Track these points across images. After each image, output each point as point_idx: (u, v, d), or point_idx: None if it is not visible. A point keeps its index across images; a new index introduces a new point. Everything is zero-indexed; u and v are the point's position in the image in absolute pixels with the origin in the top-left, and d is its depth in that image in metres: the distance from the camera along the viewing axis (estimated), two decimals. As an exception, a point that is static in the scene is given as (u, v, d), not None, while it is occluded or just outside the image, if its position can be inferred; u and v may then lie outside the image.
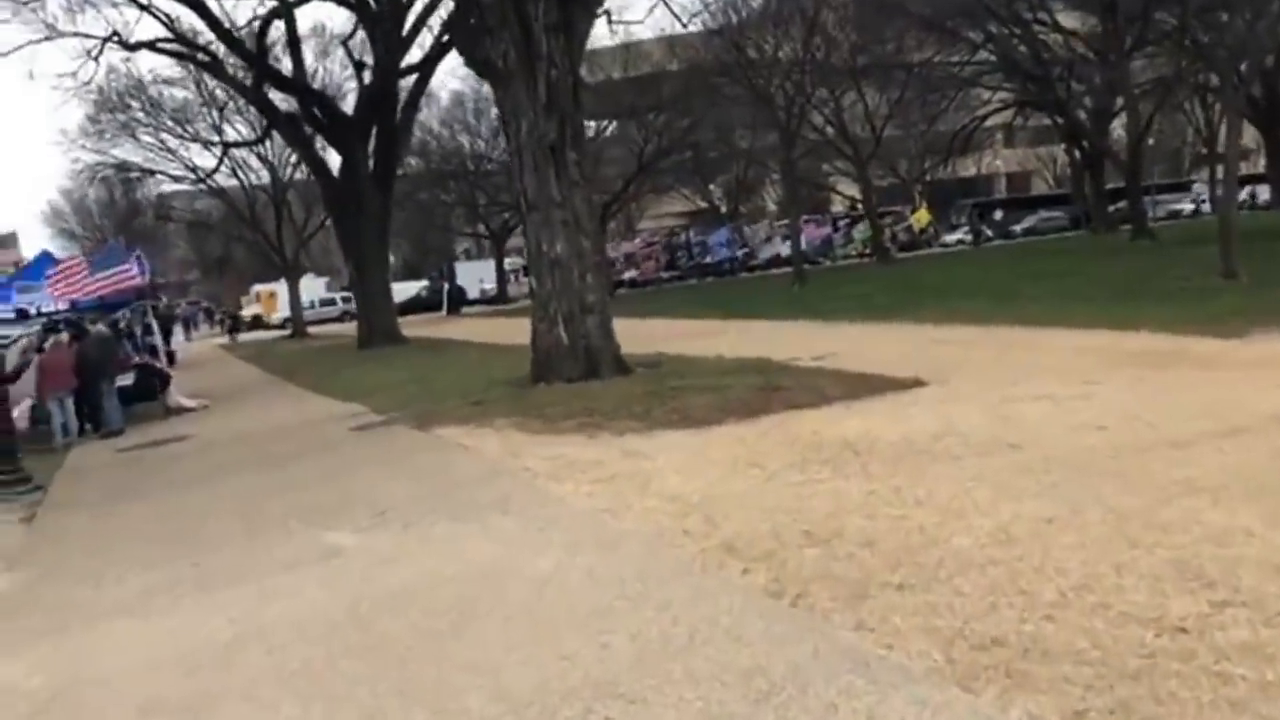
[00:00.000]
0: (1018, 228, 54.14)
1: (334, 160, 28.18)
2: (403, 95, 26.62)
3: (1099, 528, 4.86)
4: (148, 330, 17.76)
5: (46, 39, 25.03)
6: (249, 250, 46.35)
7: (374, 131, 25.52)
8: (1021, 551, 4.64)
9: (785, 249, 45.83)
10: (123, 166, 37.85)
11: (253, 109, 31.16)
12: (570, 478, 7.21)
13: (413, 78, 26.50)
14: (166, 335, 42.24)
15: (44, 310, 15.07)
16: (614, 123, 46.83)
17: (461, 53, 16.26)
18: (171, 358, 31.04)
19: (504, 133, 13.93)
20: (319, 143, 28.93)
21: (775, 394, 9.71)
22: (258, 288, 60.27)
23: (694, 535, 5.49)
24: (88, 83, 27.53)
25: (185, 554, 6.57)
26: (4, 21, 29.94)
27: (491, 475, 7.67)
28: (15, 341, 14.97)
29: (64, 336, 14.14)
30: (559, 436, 8.91)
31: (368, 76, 26.79)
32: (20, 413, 13.16)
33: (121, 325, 18.86)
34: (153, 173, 38.49)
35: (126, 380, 15.56)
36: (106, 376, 14.21)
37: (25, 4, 24.12)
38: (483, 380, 13.97)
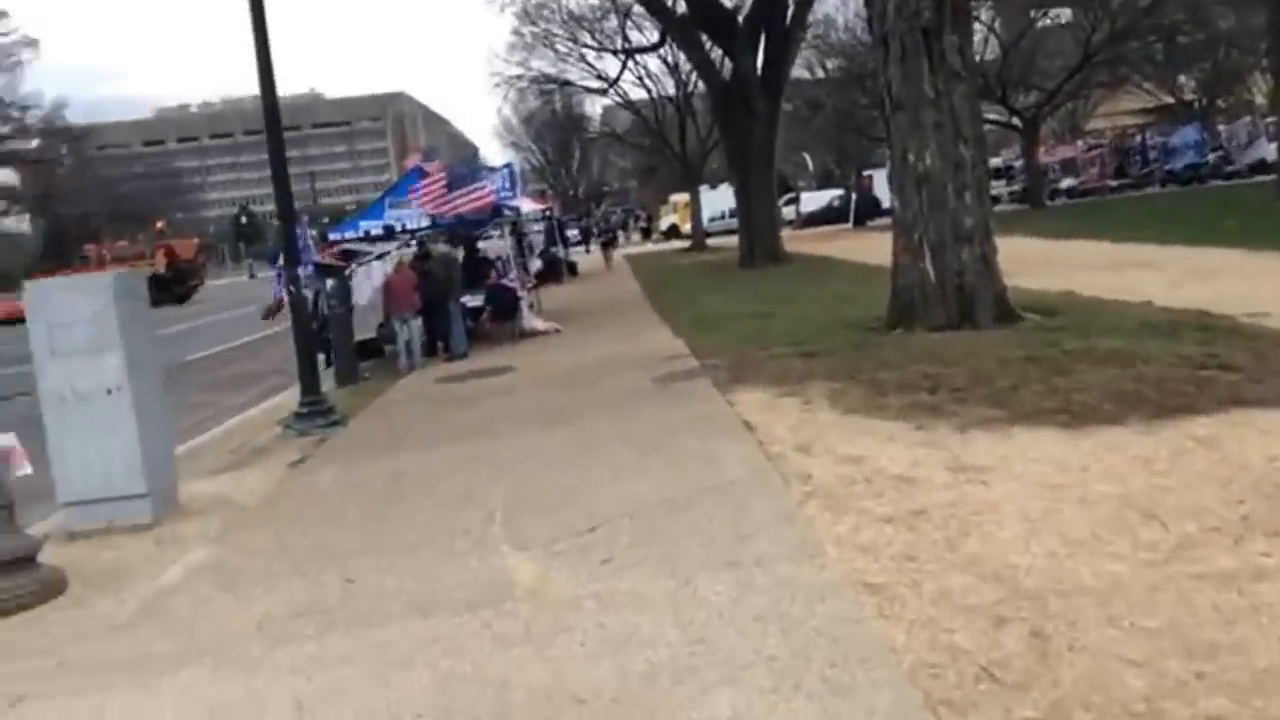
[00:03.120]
0: None
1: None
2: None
3: None
4: (519, 247, 17.44)
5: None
6: (667, 161, 46.56)
7: (763, 34, 23.36)
8: None
9: (1274, 152, 37.32)
10: (542, 78, 39.15)
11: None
12: (855, 506, 4.95)
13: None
14: (583, 242, 44.10)
15: (409, 227, 14.99)
16: (1061, 11, 40.71)
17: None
18: (572, 268, 31.83)
19: (867, 12, 11.25)
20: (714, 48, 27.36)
21: (1217, 376, 6.57)
22: (674, 198, 61.34)
23: (1000, 681, 3.11)
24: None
25: (356, 558, 5.30)
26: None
27: (754, 484, 5.59)
28: (379, 258, 15.19)
29: (407, 257, 13.95)
30: (877, 421, 6.59)
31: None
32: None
33: (524, 241, 18.89)
34: (567, 83, 39.42)
35: (477, 301, 15.33)
36: (452, 297, 13.86)
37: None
38: (835, 318, 11.82)
